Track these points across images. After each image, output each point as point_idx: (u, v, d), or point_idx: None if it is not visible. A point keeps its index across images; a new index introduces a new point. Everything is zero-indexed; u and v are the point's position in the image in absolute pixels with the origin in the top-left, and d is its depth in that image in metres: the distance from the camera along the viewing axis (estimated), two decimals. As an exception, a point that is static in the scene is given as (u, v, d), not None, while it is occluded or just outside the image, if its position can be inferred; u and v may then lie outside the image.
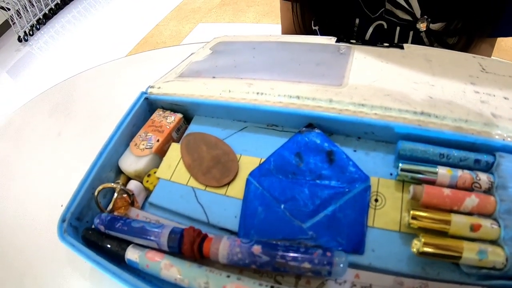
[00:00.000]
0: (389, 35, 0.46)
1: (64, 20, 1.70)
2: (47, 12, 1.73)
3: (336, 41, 0.38)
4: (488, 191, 0.24)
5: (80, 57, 1.46)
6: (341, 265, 0.21)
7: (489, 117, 0.26)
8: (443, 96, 0.29)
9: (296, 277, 0.22)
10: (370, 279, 0.22)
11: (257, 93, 0.30)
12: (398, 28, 0.45)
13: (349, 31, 0.48)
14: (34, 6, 1.65)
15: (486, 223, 0.22)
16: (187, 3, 1.71)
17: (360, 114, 0.27)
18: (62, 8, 1.77)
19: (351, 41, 0.38)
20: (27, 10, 1.63)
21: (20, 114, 0.54)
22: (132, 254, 0.25)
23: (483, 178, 0.24)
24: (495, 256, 0.21)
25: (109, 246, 0.27)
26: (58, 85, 0.58)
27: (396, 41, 0.47)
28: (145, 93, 0.35)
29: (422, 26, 0.43)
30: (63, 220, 0.29)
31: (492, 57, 0.46)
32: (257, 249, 0.22)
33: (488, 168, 0.25)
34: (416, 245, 0.21)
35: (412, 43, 0.46)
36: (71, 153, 0.44)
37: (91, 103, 0.51)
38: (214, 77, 0.33)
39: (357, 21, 0.47)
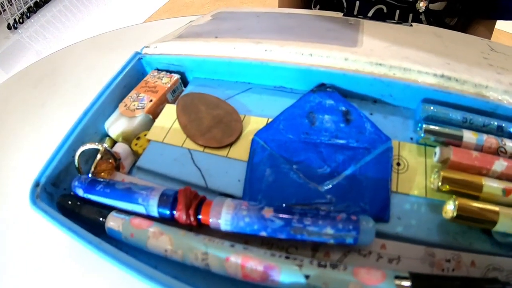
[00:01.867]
0: (389, 18, 0.46)
1: (55, 10, 1.65)
2: (38, 0, 1.68)
3: (344, 15, 0.35)
4: None
5: (68, 45, 1.41)
6: (369, 231, 0.17)
7: (508, 85, 0.25)
8: (460, 63, 0.27)
9: (313, 250, 0.19)
10: (398, 250, 0.19)
11: (265, 50, 0.26)
12: (397, 12, 0.44)
13: (348, 14, 0.47)
14: (25, -6, 1.60)
15: None
16: (179, -1, 1.68)
17: (378, 73, 0.25)
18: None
19: (359, 16, 0.36)
20: (18, -3, 1.57)
21: (4, 88, 0.50)
22: (114, 222, 0.21)
23: (509, 143, 0.23)
24: None
25: (87, 213, 0.23)
26: (46, 58, 0.53)
27: None
28: (139, 53, 0.32)
29: (422, 5, 0.43)
30: (36, 184, 0.24)
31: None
32: (268, 211, 0.18)
33: (510, 136, 0.24)
34: (449, 208, 0.19)
35: None
36: (55, 124, 0.40)
37: (79, 74, 0.47)
38: (216, 37, 0.30)
39: (357, 4, 0.46)
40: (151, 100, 0.28)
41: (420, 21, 0.44)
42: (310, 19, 0.34)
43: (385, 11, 0.44)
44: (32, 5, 1.65)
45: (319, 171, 0.20)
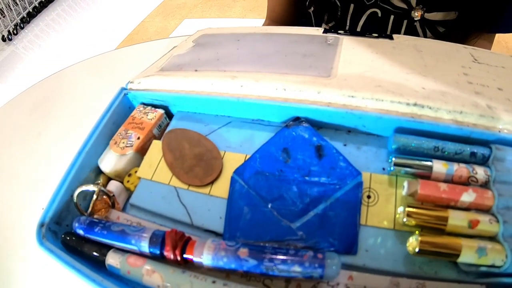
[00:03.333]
0: (382, 24, 0.45)
1: (49, 19, 1.66)
2: (31, 10, 1.68)
3: (324, 32, 0.36)
4: (485, 185, 0.23)
5: (66, 56, 1.42)
6: (334, 267, 0.19)
7: (484, 108, 0.25)
8: (436, 86, 0.27)
9: (286, 281, 0.21)
10: (364, 280, 0.21)
11: (241, 86, 0.28)
12: (392, 17, 0.44)
13: (342, 18, 0.47)
14: (18, 4, 1.60)
15: (484, 218, 0.21)
16: (172, -1, 1.68)
17: (350, 106, 0.26)
18: (46, 6, 1.72)
19: (339, 31, 0.36)
20: (10, 9, 1.58)
21: (0, 114, 0.52)
22: (113, 260, 0.24)
23: (480, 171, 0.23)
24: (495, 253, 0.20)
25: (89, 251, 0.25)
26: (38, 84, 0.55)
27: (389, 30, 0.46)
28: (125, 88, 0.34)
29: (417, 14, 0.42)
30: (41, 224, 0.27)
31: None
32: (243, 252, 0.20)
33: (484, 161, 0.24)
34: (412, 243, 0.20)
35: (405, 33, 0.46)
36: (51, 154, 0.42)
37: (72, 101, 0.49)
38: (196, 70, 0.31)
39: (351, 7, 0.45)
40: (138, 138, 0.30)
41: (415, 29, 0.44)
42: (288, 42, 0.35)
43: (380, 15, 0.44)
44: (25, 15, 1.66)
45: (292, 208, 0.22)
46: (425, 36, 0.45)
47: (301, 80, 0.28)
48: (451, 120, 0.25)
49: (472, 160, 0.25)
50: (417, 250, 0.20)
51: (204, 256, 0.21)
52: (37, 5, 1.69)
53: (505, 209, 0.21)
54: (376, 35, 0.36)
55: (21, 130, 0.47)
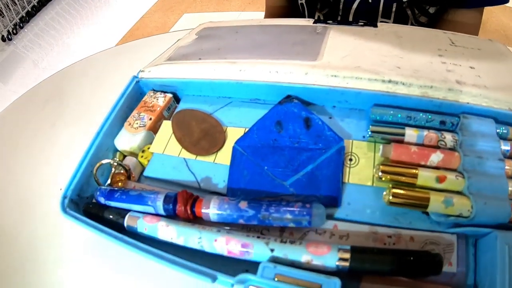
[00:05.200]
0: (373, 9, 0.48)
1: (48, 17, 1.68)
2: (30, 9, 1.71)
3: (314, 22, 0.40)
4: (453, 148, 0.26)
5: (67, 54, 1.45)
6: (319, 215, 0.23)
7: (453, 83, 0.28)
8: (410, 66, 0.31)
9: (280, 230, 0.25)
10: (347, 229, 0.24)
11: (240, 70, 0.32)
12: (382, 1, 0.47)
13: (334, 4, 0.50)
14: (16, 4, 1.62)
15: (451, 175, 0.24)
16: (172, -7, 1.70)
17: (333, 84, 0.30)
18: (45, 5, 1.74)
19: (328, 21, 0.40)
20: (9, 8, 1.60)
21: (12, 110, 0.55)
22: (131, 220, 0.28)
23: (448, 136, 0.26)
24: (461, 204, 0.23)
25: (109, 216, 0.29)
26: (48, 79, 0.59)
27: (380, 14, 0.49)
28: (136, 77, 0.37)
29: None
30: (64, 196, 0.31)
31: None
32: (243, 204, 0.24)
33: (453, 129, 0.27)
34: (386, 195, 0.24)
35: (395, 15, 0.49)
36: (66, 143, 0.45)
37: (82, 94, 0.52)
38: (200, 59, 0.35)
39: None
40: (150, 118, 0.34)
41: (404, 10, 0.47)
42: (281, 32, 0.39)
43: (370, 1, 0.48)
44: (24, 15, 1.68)
45: (284, 170, 0.27)
46: (415, 18, 0.49)
47: (291, 63, 0.32)
48: (422, 93, 0.28)
49: (442, 127, 0.27)
50: (390, 198, 0.23)
51: (210, 208, 0.25)
52: (36, 4, 1.72)
53: (470, 166, 0.24)
54: (362, 23, 0.40)
55: (35, 123, 0.50)
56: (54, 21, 1.67)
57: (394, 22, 0.50)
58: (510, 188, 0.24)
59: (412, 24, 0.51)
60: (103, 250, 0.32)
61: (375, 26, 0.39)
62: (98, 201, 0.30)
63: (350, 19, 0.51)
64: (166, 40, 0.49)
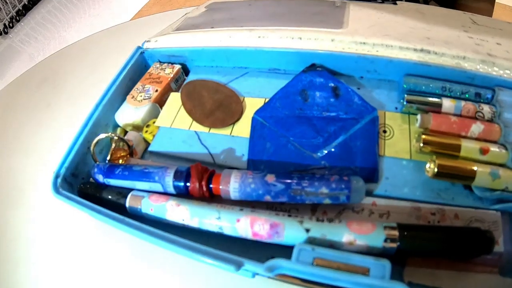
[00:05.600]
0: None
1: (45, 11, 1.64)
2: (26, 3, 1.67)
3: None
4: (491, 120, 0.24)
5: (66, 43, 1.41)
6: (359, 189, 0.20)
7: (485, 55, 0.27)
8: (440, 37, 0.29)
9: (312, 210, 0.21)
10: (387, 206, 0.21)
11: (259, 37, 0.29)
12: None
13: None
14: (12, -3, 1.59)
15: (494, 147, 0.22)
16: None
17: (363, 51, 0.27)
18: (41, -1, 1.71)
19: None
20: (6, 2, 1.56)
21: (5, 93, 0.52)
22: (134, 200, 0.24)
23: (486, 108, 0.25)
24: (507, 177, 0.21)
25: (108, 196, 0.25)
26: (43, 62, 0.55)
27: None
28: (141, 47, 0.34)
29: None
30: (56, 176, 0.27)
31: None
32: (271, 177, 0.20)
33: (488, 101, 0.26)
34: (431, 167, 0.21)
35: None
36: (62, 122, 0.42)
37: (79, 73, 0.49)
38: (212, 27, 0.32)
39: None
40: (156, 90, 0.30)
41: None
42: (298, 5, 0.36)
43: None
44: (21, 8, 1.64)
45: (313, 141, 0.23)
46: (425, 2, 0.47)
47: (315, 30, 0.28)
48: (455, 64, 0.26)
49: (478, 99, 0.26)
50: (436, 171, 0.21)
51: (231, 183, 0.21)
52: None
53: None
54: (380, 0, 0.38)
55: (29, 103, 0.47)
56: (50, 15, 1.63)
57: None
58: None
59: None
60: (102, 236, 0.28)
61: (395, 3, 0.37)
62: (95, 179, 0.26)
63: None
64: (170, 17, 0.45)
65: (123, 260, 0.26)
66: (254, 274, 0.20)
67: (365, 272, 0.17)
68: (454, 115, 0.25)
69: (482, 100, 0.26)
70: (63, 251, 0.28)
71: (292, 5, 0.36)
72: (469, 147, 0.22)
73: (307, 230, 0.18)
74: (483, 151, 0.22)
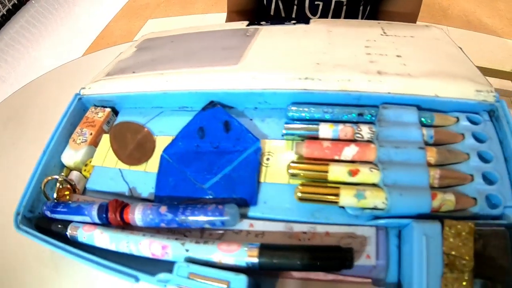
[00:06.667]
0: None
1: (12, 31, 1.63)
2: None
3: (247, 25, 0.42)
4: (371, 140, 0.26)
5: (34, 68, 1.42)
6: (232, 215, 0.25)
7: (374, 74, 0.29)
8: (331, 61, 0.32)
9: (201, 232, 0.27)
10: (263, 227, 0.25)
11: (166, 81, 0.34)
12: None
13: (253, 23, 0.52)
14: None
15: (364, 168, 0.24)
16: (136, 0, 1.70)
17: (252, 86, 0.31)
18: (9, 19, 1.71)
19: (261, 22, 0.42)
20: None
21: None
22: (72, 230, 0.30)
23: (365, 128, 0.27)
24: (374, 197, 0.23)
25: (56, 227, 0.32)
26: (9, 98, 0.60)
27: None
28: (79, 94, 0.39)
29: None
30: (17, 213, 0.33)
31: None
32: (163, 208, 0.27)
33: (373, 120, 0.28)
34: (296, 192, 0.24)
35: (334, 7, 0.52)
36: (26, 162, 0.47)
37: (41, 111, 0.54)
38: (134, 72, 0.37)
39: None
40: (91, 133, 0.36)
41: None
42: (215, 38, 0.41)
43: None
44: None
45: (205, 174, 0.29)
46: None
47: (213, 70, 0.33)
48: (340, 87, 0.28)
49: (361, 119, 0.28)
50: (299, 195, 0.24)
51: (135, 214, 0.27)
52: (5, 12, 1.69)
53: (385, 158, 0.24)
54: (294, 22, 0.42)
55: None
56: (19, 35, 1.64)
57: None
58: (432, 175, 0.23)
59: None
60: (56, 260, 0.34)
61: (307, 23, 0.41)
62: (45, 214, 0.33)
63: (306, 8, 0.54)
64: (114, 53, 0.50)
65: (71, 278, 0.33)
66: (165, 284, 0.26)
67: (226, 284, 0.22)
68: (332, 139, 0.27)
69: (365, 120, 0.28)
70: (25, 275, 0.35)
71: (210, 38, 0.41)
72: (337, 170, 0.24)
73: (187, 250, 0.24)
74: (352, 173, 0.24)
